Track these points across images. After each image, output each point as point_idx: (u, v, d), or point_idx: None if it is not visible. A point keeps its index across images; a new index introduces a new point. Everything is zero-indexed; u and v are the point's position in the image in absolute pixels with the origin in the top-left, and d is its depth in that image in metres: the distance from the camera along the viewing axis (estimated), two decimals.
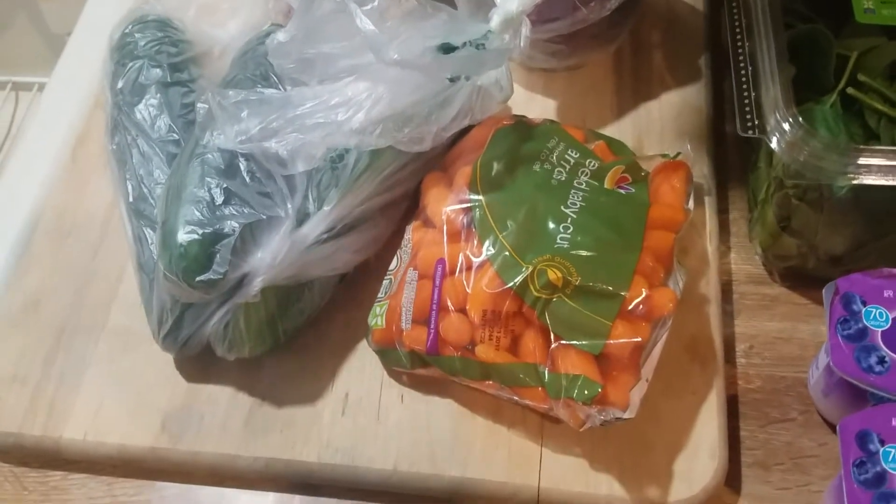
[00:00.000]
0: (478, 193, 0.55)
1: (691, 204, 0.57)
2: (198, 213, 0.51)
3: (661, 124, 0.67)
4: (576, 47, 0.67)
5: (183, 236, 0.50)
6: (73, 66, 0.77)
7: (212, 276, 0.50)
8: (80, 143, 0.70)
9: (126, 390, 0.57)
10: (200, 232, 0.50)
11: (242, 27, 0.70)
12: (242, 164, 0.54)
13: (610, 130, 0.67)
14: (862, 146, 0.47)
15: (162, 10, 0.70)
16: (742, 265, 0.61)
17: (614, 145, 0.61)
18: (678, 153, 0.59)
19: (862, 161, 0.47)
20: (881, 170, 0.47)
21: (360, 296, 0.58)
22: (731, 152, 0.67)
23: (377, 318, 0.55)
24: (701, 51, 0.71)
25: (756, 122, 0.49)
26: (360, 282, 0.59)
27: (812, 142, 0.47)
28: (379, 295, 0.56)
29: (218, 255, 0.50)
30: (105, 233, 0.64)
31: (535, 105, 0.69)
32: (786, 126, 0.48)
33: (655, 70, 0.70)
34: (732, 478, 0.53)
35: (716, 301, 0.57)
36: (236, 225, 0.51)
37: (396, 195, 0.60)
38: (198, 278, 0.50)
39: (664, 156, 0.59)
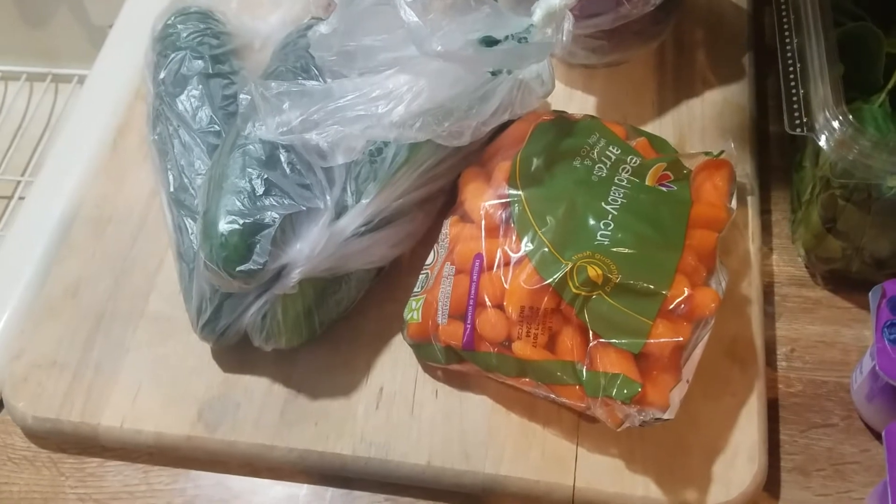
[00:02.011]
0: (517, 188, 0.54)
1: (734, 203, 0.56)
2: (239, 204, 0.51)
3: (703, 122, 0.66)
4: (618, 43, 0.67)
5: (224, 226, 0.51)
6: (115, 57, 0.78)
7: (252, 267, 0.50)
8: (120, 134, 0.70)
9: (163, 378, 0.57)
10: (241, 222, 0.51)
11: (283, 20, 0.70)
12: (283, 156, 0.54)
13: (651, 128, 0.66)
14: None
15: (204, 1, 0.70)
16: (784, 267, 0.60)
17: (656, 142, 0.60)
18: (721, 151, 0.58)
19: None
20: None
21: (397, 290, 0.58)
22: (774, 152, 0.66)
23: (413, 312, 0.54)
24: (744, 49, 0.70)
25: (804, 120, 0.48)
26: (396, 276, 0.59)
27: (861, 140, 0.46)
28: (415, 289, 0.56)
29: (258, 246, 0.50)
30: (144, 222, 0.65)
31: (575, 102, 0.69)
32: (835, 124, 0.47)
33: (698, 68, 0.69)
34: (771, 483, 0.52)
35: (757, 303, 0.57)
36: (276, 216, 0.51)
37: (434, 189, 0.59)
38: (238, 268, 0.50)
39: (707, 154, 0.58)
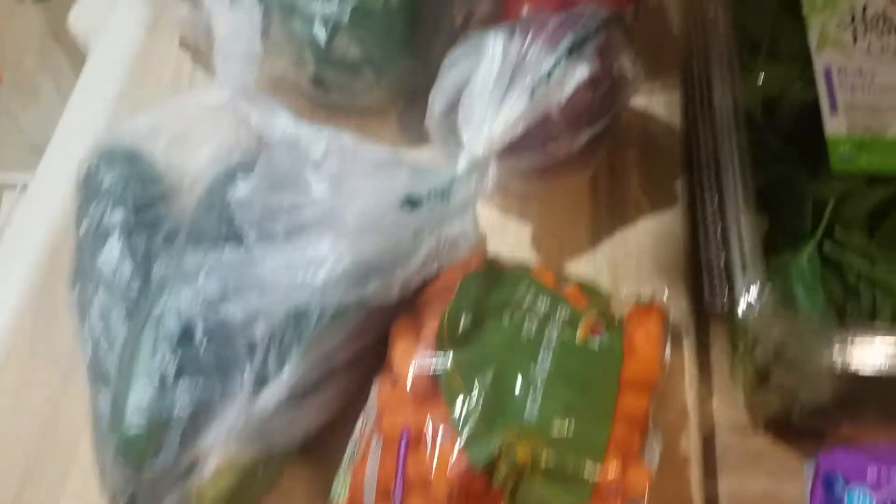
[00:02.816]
0: (445, 351, 0.53)
1: (668, 351, 0.55)
2: (147, 395, 0.49)
3: (638, 252, 0.65)
4: (548, 176, 0.66)
5: (130, 419, 0.48)
6: (49, 179, 0.76)
7: (161, 462, 0.48)
8: (50, 271, 0.68)
9: None
10: (148, 416, 0.48)
11: (214, 155, 0.69)
12: (199, 329, 0.52)
13: (586, 259, 0.65)
14: (836, 329, 0.45)
15: (131, 140, 0.69)
16: (725, 412, 0.58)
17: (586, 288, 0.59)
18: (651, 297, 0.57)
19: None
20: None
21: (326, 455, 0.56)
22: None
23: (340, 491, 0.52)
24: (677, 172, 0.69)
25: (724, 299, 0.47)
26: (325, 443, 0.56)
27: (783, 325, 0.45)
28: (343, 464, 0.54)
29: (166, 441, 0.48)
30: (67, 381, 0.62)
31: (509, 231, 0.68)
32: (755, 303, 0.46)
33: (632, 193, 0.68)
34: None
35: (696, 461, 0.55)
36: (188, 403, 0.49)
37: (368, 341, 0.58)
38: (146, 464, 0.48)
39: (638, 301, 0.57)
